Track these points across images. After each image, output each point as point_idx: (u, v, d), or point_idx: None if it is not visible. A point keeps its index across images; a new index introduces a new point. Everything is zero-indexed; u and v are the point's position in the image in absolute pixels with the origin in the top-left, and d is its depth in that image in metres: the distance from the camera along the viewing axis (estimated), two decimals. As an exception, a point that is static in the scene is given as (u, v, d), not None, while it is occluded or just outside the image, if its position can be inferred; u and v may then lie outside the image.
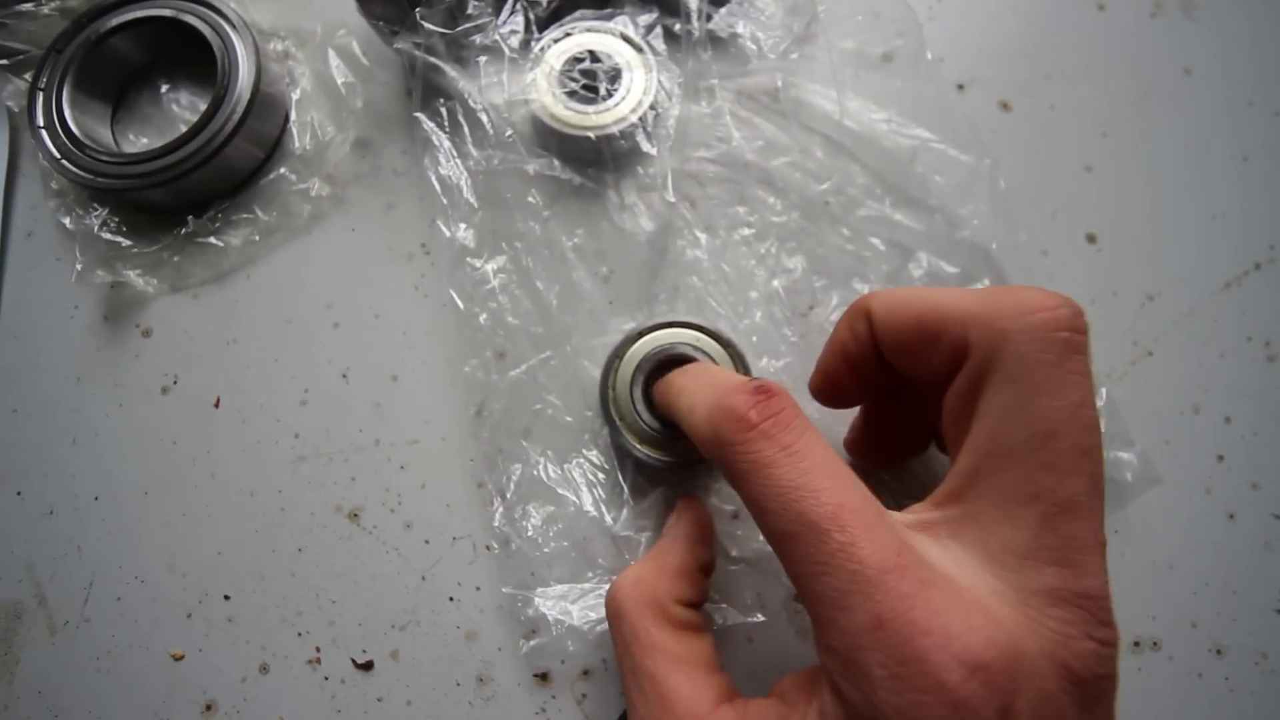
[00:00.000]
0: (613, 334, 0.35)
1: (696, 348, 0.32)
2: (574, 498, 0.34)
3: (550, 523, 0.33)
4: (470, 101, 0.37)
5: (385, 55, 0.41)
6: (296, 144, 0.40)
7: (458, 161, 0.37)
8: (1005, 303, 0.22)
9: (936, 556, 0.21)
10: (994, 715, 0.18)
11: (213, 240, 0.39)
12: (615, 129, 0.36)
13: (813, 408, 0.34)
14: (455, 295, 0.36)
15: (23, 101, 0.40)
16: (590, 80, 0.37)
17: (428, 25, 0.37)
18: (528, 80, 0.37)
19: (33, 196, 0.41)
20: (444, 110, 0.38)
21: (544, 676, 0.32)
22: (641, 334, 0.33)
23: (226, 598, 0.34)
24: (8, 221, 0.41)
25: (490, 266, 0.36)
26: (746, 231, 0.37)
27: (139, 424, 0.37)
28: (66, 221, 0.39)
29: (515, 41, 0.38)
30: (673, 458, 0.31)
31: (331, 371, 0.37)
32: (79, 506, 0.36)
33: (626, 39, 0.38)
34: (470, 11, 0.37)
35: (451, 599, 0.34)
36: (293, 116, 0.41)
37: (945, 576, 0.20)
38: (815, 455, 0.21)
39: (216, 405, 0.37)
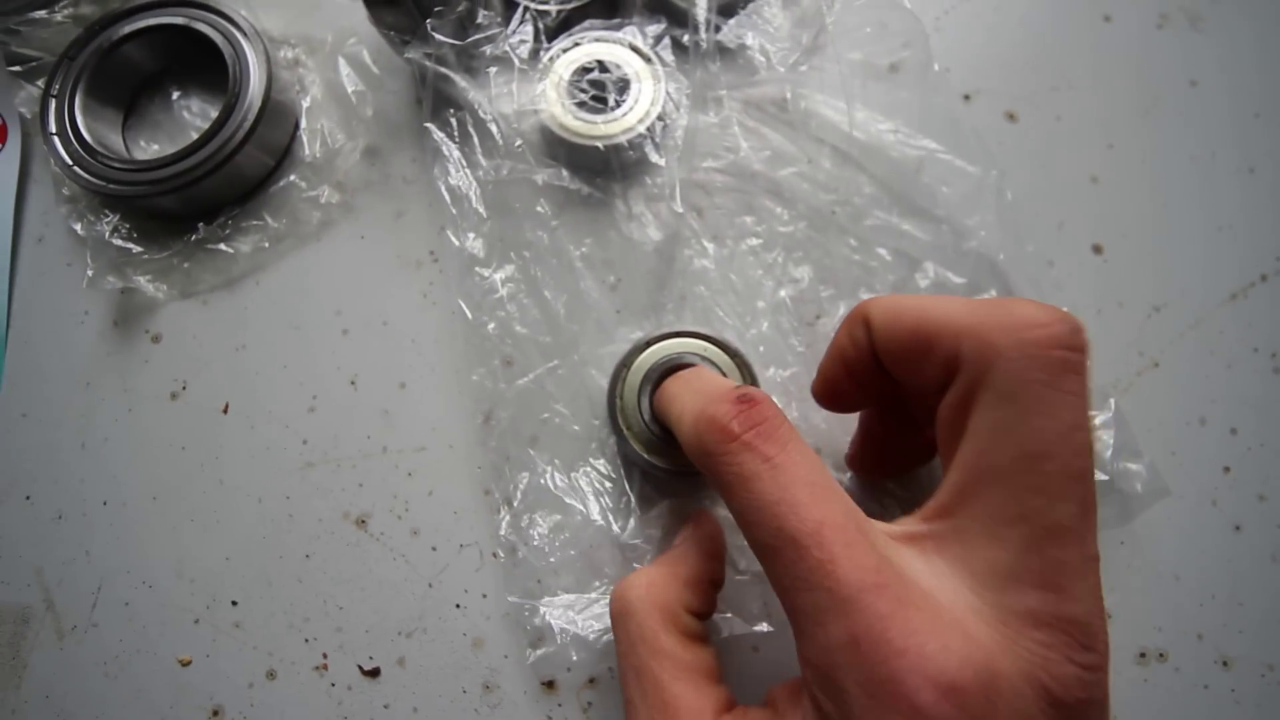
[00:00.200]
0: (620, 343, 0.35)
1: (704, 358, 0.32)
2: (581, 507, 0.34)
3: (557, 531, 0.33)
4: (480, 111, 0.37)
5: (395, 64, 0.41)
6: (306, 151, 0.40)
7: (467, 171, 0.37)
8: (999, 317, 0.22)
9: (919, 571, 0.21)
10: None
11: (223, 247, 0.39)
12: (623, 139, 0.36)
13: (818, 417, 0.34)
14: (463, 304, 0.36)
15: (35, 108, 0.40)
16: (599, 90, 0.37)
17: (438, 36, 0.37)
18: (537, 90, 0.37)
19: (44, 202, 0.42)
20: (454, 120, 0.38)
21: (550, 684, 0.32)
22: (649, 344, 0.33)
23: (234, 603, 0.34)
24: (19, 227, 0.41)
25: (498, 275, 0.37)
26: (754, 241, 0.37)
27: (148, 429, 0.37)
28: (77, 227, 0.39)
29: (524, 51, 0.38)
30: (679, 467, 0.31)
31: (340, 378, 0.37)
32: (87, 511, 0.36)
33: (635, 49, 0.38)
34: (480, 21, 0.38)
35: (458, 606, 0.34)
36: (303, 124, 0.41)
37: (924, 594, 0.20)
38: (797, 468, 0.21)
39: (225, 411, 0.37)
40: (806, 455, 0.22)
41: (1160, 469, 0.32)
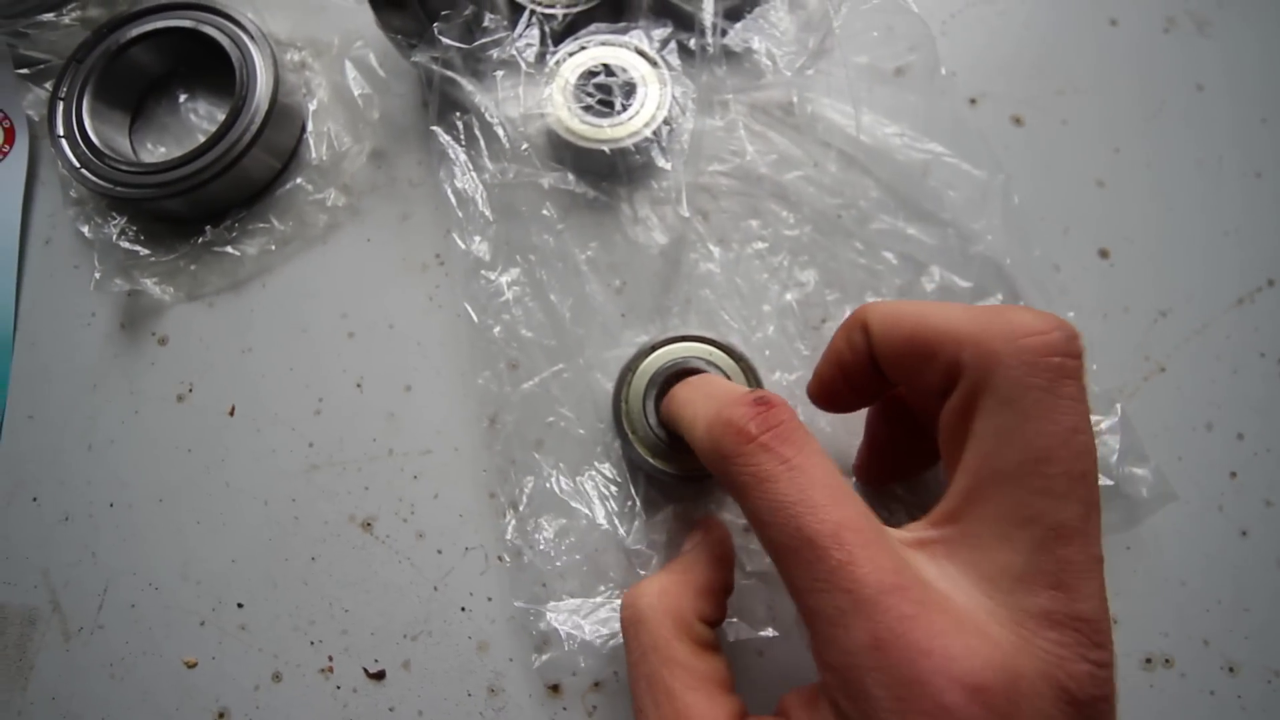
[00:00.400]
0: (625, 347, 0.35)
1: (709, 362, 0.32)
2: (586, 510, 0.34)
3: (562, 535, 0.33)
4: (486, 115, 0.37)
5: (401, 67, 0.41)
6: (313, 154, 0.41)
7: (473, 174, 0.37)
8: (997, 325, 0.22)
9: (933, 576, 0.21)
10: None
11: (229, 249, 0.39)
12: (629, 143, 0.36)
13: (824, 420, 0.34)
14: (469, 307, 0.36)
15: (43, 110, 0.40)
16: (605, 94, 0.37)
17: (445, 39, 0.37)
18: (543, 94, 0.37)
19: (51, 204, 0.42)
20: (460, 123, 0.38)
21: (555, 688, 0.32)
22: (654, 348, 0.33)
23: (240, 606, 0.34)
24: (27, 229, 0.41)
25: (504, 279, 0.37)
26: (759, 245, 0.37)
27: (154, 431, 0.37)
28: (85, 230, 0.39)
29: (531, 55, 0.38)
30: (685, 472, 0.31)
31: (346, 381, 0.37)
32: (94, 513, 0.36)
33: (641, 53, 0.38)
34: (487, 25, 0.38)
35: (463, 609, 0.34)
36: (309, 127, 0.41)
37: (943, 596, 0.20)
38: (815, 470, 0.21)
39: (231, 413, 0.37)
40: (823, 458, 0.22)
41: (1166, 474, 0.32)
